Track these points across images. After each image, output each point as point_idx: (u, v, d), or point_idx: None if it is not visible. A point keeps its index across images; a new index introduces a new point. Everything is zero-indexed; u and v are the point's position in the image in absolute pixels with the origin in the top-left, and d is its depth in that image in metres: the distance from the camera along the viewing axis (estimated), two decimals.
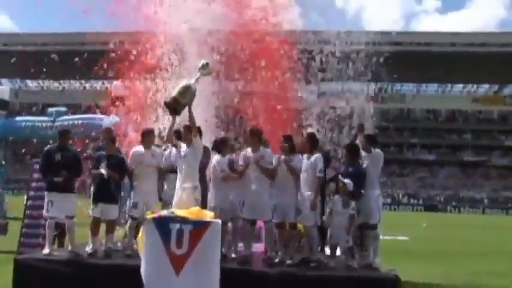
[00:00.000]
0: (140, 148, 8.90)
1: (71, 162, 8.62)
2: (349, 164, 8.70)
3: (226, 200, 8.54)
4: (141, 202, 8.56)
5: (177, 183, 8.20)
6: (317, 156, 8.39)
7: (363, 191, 8.43)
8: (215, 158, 8.76)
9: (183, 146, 8.28)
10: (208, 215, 7.17)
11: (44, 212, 8.69)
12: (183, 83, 8.34)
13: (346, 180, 8.32)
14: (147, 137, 8.89)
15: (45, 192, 8.72)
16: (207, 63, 8.71)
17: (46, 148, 8.88)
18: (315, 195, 8.24)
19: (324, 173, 8.64)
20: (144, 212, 7.83)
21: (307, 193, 8.26)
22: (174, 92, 8.22)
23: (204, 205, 8.15)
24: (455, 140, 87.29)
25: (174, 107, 8.13)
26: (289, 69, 13.43)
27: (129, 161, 8.88)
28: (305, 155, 8.46)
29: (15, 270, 7.93)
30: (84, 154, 11.09)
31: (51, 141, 9.63)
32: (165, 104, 8.32)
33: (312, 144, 8.60)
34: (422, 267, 13.04)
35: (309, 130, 9.77)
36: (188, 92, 8.16)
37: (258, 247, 9.26)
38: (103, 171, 8.47)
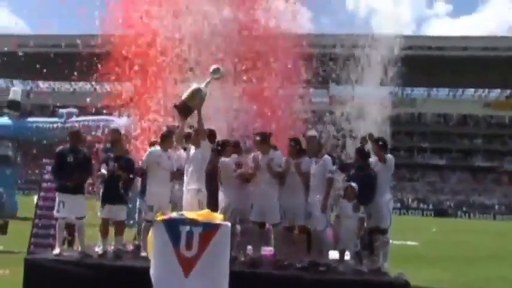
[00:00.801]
0: (157, 149, 8.91)
1: (82, 163, 8.65)
2: (359, 168, 8.68)
3: (237, 200, 8.55)
4: (156, 205, 8.45)
5: (184, 186, 8.22)
6: (326, 157, 8.41)
7: (373, 195, 8.43)
8: (222, 160, 8.77)
9: (192, 149, 8.29)
10: (218, 217, 7.18)
11: (55, 212, 8.72)
12: (193, 86, 8.35)
13: (354, 184, 8.32)
14: (166, 139, 8.85)
15: (56, 193, 8.76)
16: (218, 68, 8.71)
17: (58, 149, 8.92)
18: (326, 197, 8.25)
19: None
20: None
21: (317, 196, 8.26)
22: (183, 95, 8.24)
23: (215, 207, 8.16)
24: (466, 145, 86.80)
25: (182, 109, 8.15)
26: (298, 72, 13.41)
27: (143, 161, 8.90)
28: (313, 158, 8.46)
29: (26, 270, 7.97)
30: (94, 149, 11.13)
31: (57, 142, 9.70)
32: (175, 106, 8.34)
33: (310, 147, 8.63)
34: (432, 273, 12.99)
35: (310, 133, 9.70)
36: (198, 95, 8.17)
37: (267, 250, 9.25)
38: (103, 171, 8.52)
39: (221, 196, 8.69)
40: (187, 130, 8.76)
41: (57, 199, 8.70)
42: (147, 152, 8.97)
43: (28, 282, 7.88)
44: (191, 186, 8.08)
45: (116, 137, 9.27)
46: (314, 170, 8.38)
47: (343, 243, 8.40)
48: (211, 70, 8.69)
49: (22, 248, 11.73)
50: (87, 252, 8.47)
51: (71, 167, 8.55)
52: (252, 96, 13.32)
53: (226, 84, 11.99)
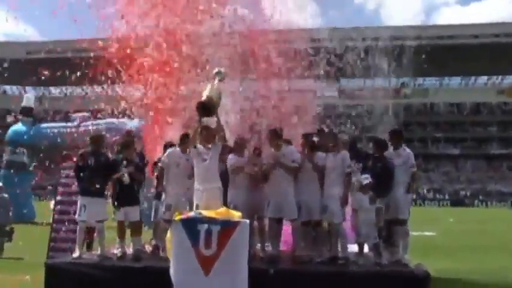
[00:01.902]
0: (177, 150, 8.96)
1: (103, 166, 8.72)
2: (376, 159, 8.64)
3: (249, 199, 8.54)
4: (174, 204, 8.51)
5: (197, 184, 8.10)
6: (344, 152, 8.40)
7: (390, 188, 8.40)
8: (235, 158, 8.77)
9: (204, 147, 8.22)
10: (235, 215, 7.18)
11: (77, 216, 8.82)
12: (209, 85, 8.36)
13: (364, 180, 8.26)
14: (186, 140, 8.84)
15: (79, 197, 8.87)
16: (220, 71, 8.71)
17: (80, 152, 9.01)
18: (346, 192, 8.27)
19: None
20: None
21: (334, 190, 8.25)
22: (206, 93, 8.22)
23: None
24: (481, 133, 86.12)
25: (208, 107, 8.11)
26: (308, 67, 13.37)
27: (162, 161, 8.94)
28: (331, 153, 8.45)
29: (47, 274, 8.05)
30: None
31: (71, 147, 9.79)
32: (201, 104, 8.25)
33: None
34: (451, 263, 12.90)
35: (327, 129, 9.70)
36: (219, 94, 8.23)
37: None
38: (126, 176, 8.58)
39: (231, 195, 8.65)
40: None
41: (78, 202, 8.81)
42: (167, 153, 9.00)
43: (49, 287, 7.95)
44: (213, 185, 8.03)
45: (129, 140, 9.32)
46: (332, 164, 8.37)
47: (362, 236, 8.38)
48: (214, 73, 8.70)
49: (41, 253, 11.81)
50: (106, 255, 8.54)
51: (92, 170, 8.63)
52: (260, 93, 13.33)
53: (233, 82, 12.01)
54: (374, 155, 8.75)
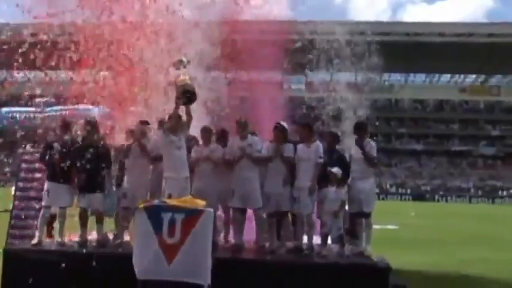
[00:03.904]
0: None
1: (71, 153, 8.55)
2: (331, 151, 8.75)
3: (214, 188, 8.51)
4: (130, 192, 8.50)
5: (171, 173, 8.07)
6: (317, 143, 8.44)
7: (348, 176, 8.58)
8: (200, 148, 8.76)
9: (173, 136, 8.13)
10: (200, 203, 7.13)
11: (43, 202, 8.69)
12: (182, 75, 8.28)
13: (334, 169, 8.35)
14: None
15: (46, 182, 8.72)
16: (181, 59, 8.61)
17: (47, 139, 8.90)
18: (314, 181, 8.28)
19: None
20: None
21: (306, 182, 8.27)
22: (185, 82, 8.14)
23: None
24: (443, 130, 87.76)
25: (190, 96, 8.06)
26: (276, 59, 13.34)
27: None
28: (304, 144, 8.47)
29: (5, 261, 7.88)
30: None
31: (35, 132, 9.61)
32: (190, 91, 8.14)
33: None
34: (412, 256, 13.13)
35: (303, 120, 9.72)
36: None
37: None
38: None
39: (197, 184, 8.59)
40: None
41: (44, 188, 8.68)
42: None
43: (7, 273, 7.78)
44: (185, 174, 8.05)
45: (91, 127, 9.15)
46: (306, 155, 8.38)
47: (326, 227, 8.43)
48: (177, 60, 8.61)
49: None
50: (66, 242, 8.40)
51: (60, 156, 8.45)
52: (233, 84, 13.26)
53: (206, 74, 11.91)
54: (330, 147, 8.84)
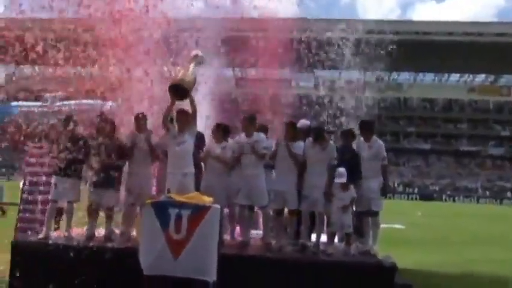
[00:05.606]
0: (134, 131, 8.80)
1: (79, 147, 8.56)
2: (343, 148, 8.70)
3: (223, 185, 8.49)
4: (134, 189, 8.49)
5: (170, 169, 8.06)
6: (331, 144, 8.41)
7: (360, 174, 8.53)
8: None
9: (177, 131, 8.13)
10: (207, 200, 7.14)
11: (50, 196, 8.71)
12: (190, 67, 8.23)
13: (340, 170, 8.29)
14: (142, 121, 8.76)
15: (53, 176, 8.73)
16: (198, 54, 8.58)
17: (55, 133, 8.88)
18: (329, 184, 8.21)
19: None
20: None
21: (317, 180, 8.23)
22: (180, 76, 8.10)
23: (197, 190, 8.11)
24: (451, 130, 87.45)
25: (181, 89, 7.99)
26: (285, 57, 13.33)
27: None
28: (318, 145, 8.38)
29: (13, 254, 7.91)
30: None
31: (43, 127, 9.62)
32: (174, 86, 8.04)
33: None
34: (419, 255, 13.11)
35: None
36: (194, 78, 8.12)
37: (256, 234, 9.23)
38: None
39: (205, 181, 8.59)
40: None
41: (52, 182, 8.70)
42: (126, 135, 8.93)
43: (15, 266, 7.82)
44: (186, 170, 8.00)
45: (106, 123, 9.16)
46: (319, 156, 8.31)
47: (335, 225, 8.39)
48: (192, 55, 8.58)
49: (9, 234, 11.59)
50: (74, 236, 8.43)
51: (69, 151, 8.44)
52: (239, 81, 13.28)
53: (209, 68, 11.90)
54: (342, 144, 8.81)
